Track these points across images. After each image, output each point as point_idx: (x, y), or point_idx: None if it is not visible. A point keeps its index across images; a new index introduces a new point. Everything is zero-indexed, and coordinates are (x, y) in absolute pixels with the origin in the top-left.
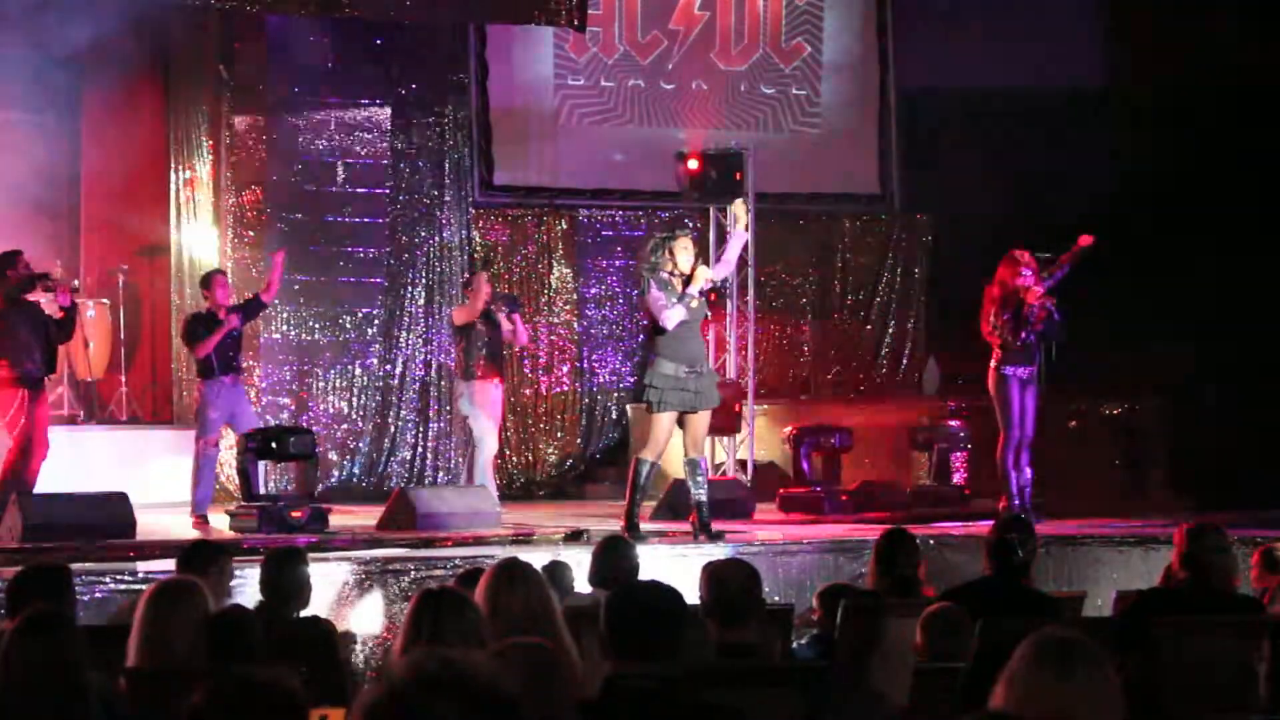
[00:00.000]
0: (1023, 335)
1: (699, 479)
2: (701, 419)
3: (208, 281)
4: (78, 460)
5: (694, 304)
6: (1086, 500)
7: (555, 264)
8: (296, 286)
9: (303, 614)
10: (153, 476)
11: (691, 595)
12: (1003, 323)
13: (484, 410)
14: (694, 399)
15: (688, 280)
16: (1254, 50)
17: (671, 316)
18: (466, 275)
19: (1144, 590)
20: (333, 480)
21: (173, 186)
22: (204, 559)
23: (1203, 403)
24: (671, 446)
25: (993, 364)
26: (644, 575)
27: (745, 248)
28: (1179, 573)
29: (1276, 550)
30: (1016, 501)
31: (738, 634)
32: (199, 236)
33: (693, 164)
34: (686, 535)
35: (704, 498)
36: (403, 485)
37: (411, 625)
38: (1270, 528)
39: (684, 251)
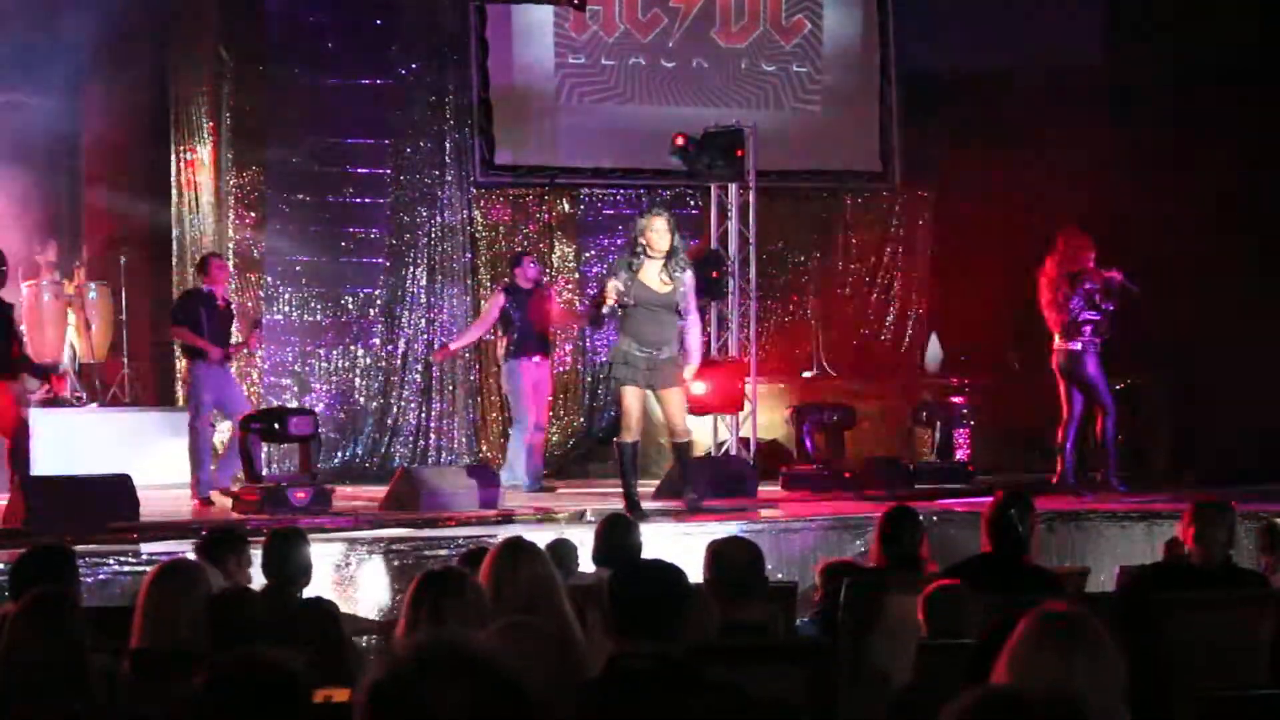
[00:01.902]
0: (1087, 312)
1: (686, 458)
2: (671, 399)
3: (204, 265)
4: (80, 442)
5: (666, 290)
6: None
7: (557, 243)
8: (298, 268)
9: (306, 595)
10: (156, 458)
11: (696, 574)
12: (1065, 297)
13: (515, 388)
14: (649, 376)
15: (668, 257)
16: (1252, 33)
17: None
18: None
19: (1147, 565)
20: (336, 461)
21: (173, 168)
22: (223, 547)
23: (1205, 378)
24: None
25: (1058, 343)
26: (647, 554)
27: (745, 229)
28: (1186, 547)
29: (1278, 524)
30: (1114, 473)
31: (741, 612)
32: (200, 218)
33: (681, 141)
34: (691, 514)
35: (689, 475)
36: (406, 465)
37: (412, 606)
38: (1272, 502)
39: (656, 233)
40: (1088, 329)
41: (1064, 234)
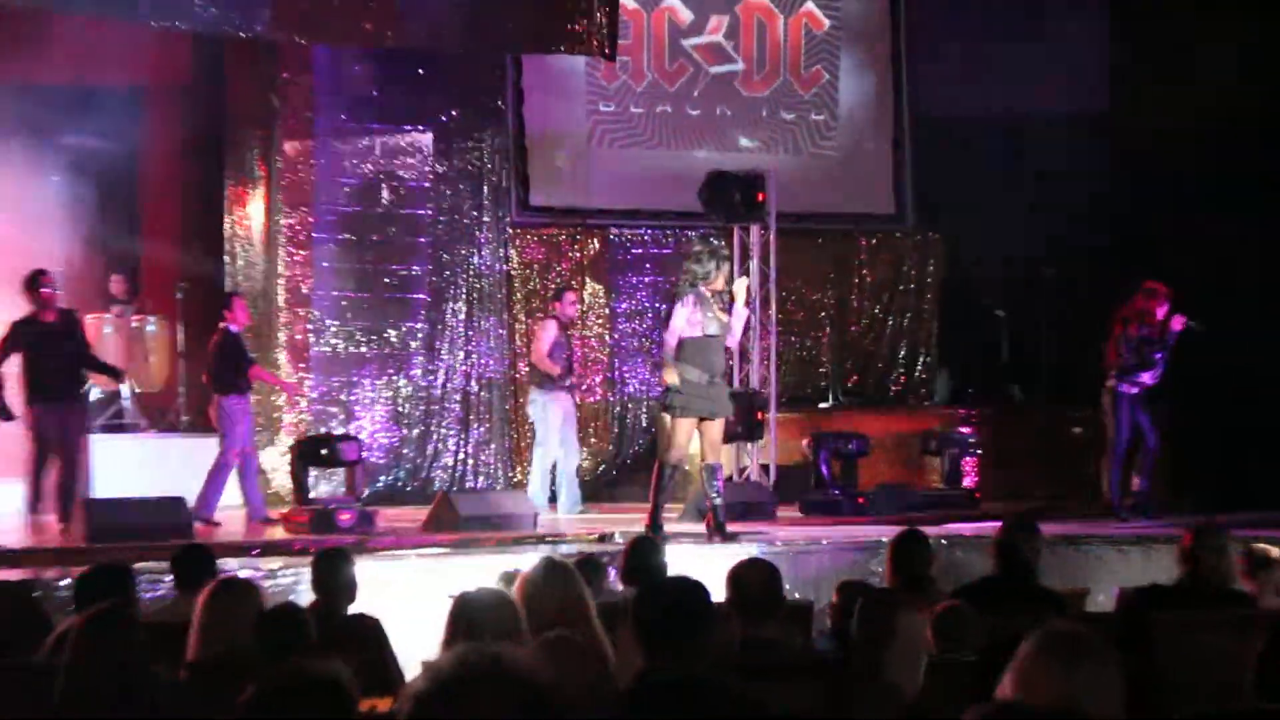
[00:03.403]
0: (1143, 355)
1: (715, 484)
2: (718, 426)
3: (230, 304)
4: (139, 466)
5: (718, 323)
6: (1090, 502)
7: (588, 280)
8: (344, 303)
9: (351, 610)
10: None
11: (719, 593)
12: (1135, 337)
13: (549, 417)
14: (712, 406)
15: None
16: (1248, 81)
17: (671, 341)
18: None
19: (1144, 586)
20: (379, 485)
21: (227, 208)
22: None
23: (1198, 411)
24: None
25: (1109, 383)
26: (672, 574)
27: (765, 268)
28: (1182, 570)
29: (1256, 549)
30: (1116, 502)
31: (760, 630)
32: (252, 256)
33: (707, 192)
34: (719, 536)
35: (720, 501)
36: (445, 489)
37: (451, 623)
38: (1261, 528)
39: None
40: (1131, 375)
41: (1143, 287)
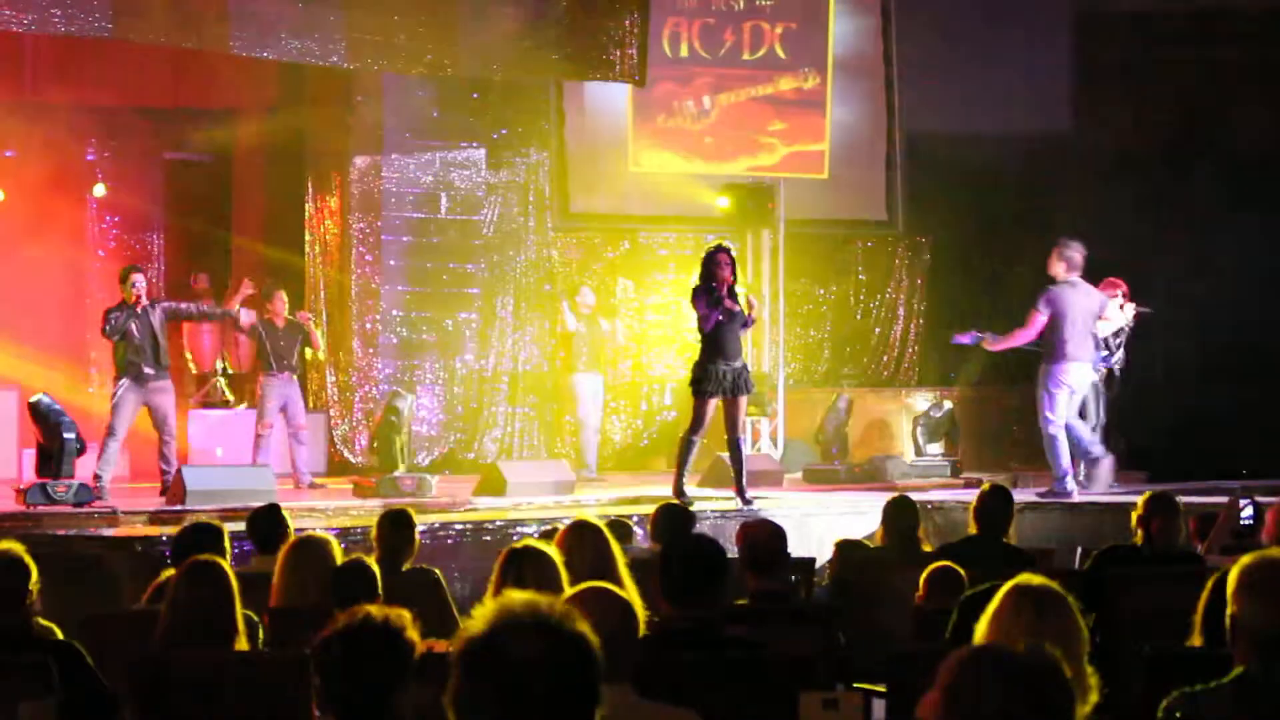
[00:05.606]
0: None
1: (739, 455)
2: (739, 404)
3: (269, 295)
4: (230, 438)
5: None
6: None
7: (620, 277)
8: (409, 297)
9: (414, 564)
10: (288, 451)
11: (731, 550)
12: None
13: (578, 396)
14: (730, 387)
15: (731, 293)
16: (1200, 101)
17: (708, 322)
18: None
19: (1104, 547)
20: (437, 454)
21: (308, 214)
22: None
23: (1151, 392)
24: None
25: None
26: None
27: (775, 267)
28: (1136, 532)
29: (1203, 515)
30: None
31: (769, 582)
32: (329, 255)
33: (724, 201)
34: (726, 500)
35: (742, 469)
36: (494, 459)
37: (499, 574)
38: (1207, 495)
39: (724, 267)
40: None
41: (1104, 280)
